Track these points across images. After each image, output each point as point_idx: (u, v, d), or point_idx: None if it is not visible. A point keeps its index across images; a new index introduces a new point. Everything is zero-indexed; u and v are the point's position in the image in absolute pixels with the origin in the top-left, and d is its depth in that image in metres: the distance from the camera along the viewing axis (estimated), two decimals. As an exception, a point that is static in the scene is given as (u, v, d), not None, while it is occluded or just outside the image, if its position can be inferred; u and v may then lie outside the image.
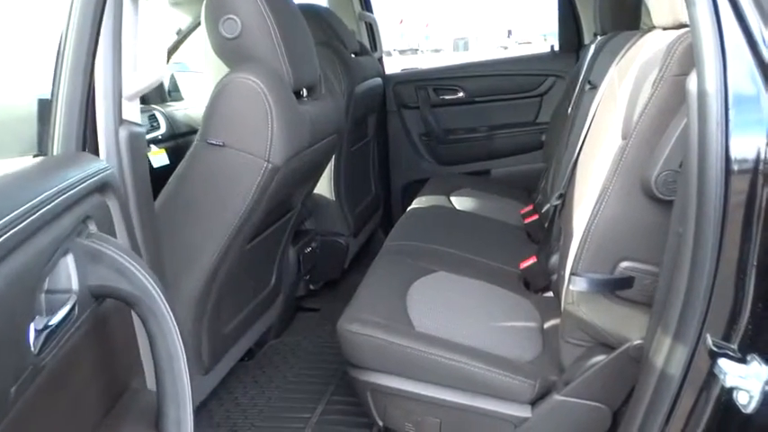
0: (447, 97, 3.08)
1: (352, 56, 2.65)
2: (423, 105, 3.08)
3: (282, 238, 1.96)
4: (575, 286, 1.18)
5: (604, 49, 2.06)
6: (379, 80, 2.84)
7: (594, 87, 1.91)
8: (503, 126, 3.05)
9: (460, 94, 3.07)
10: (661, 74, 1.12)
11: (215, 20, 1.45)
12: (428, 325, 1.43)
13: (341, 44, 2.52)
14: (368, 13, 3.07)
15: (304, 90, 1.67)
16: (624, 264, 1.17)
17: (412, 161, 3.15)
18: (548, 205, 1.90)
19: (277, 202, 1.60)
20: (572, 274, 1.20)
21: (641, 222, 1.15)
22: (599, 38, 2.31)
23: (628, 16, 2.18)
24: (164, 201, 1.40)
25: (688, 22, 1.15)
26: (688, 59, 1.07)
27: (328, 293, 2.61)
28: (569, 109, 2.30)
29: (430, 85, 3.08)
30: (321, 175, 1.97)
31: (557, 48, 3.00)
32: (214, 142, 1.35)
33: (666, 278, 0.99)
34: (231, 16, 1.42)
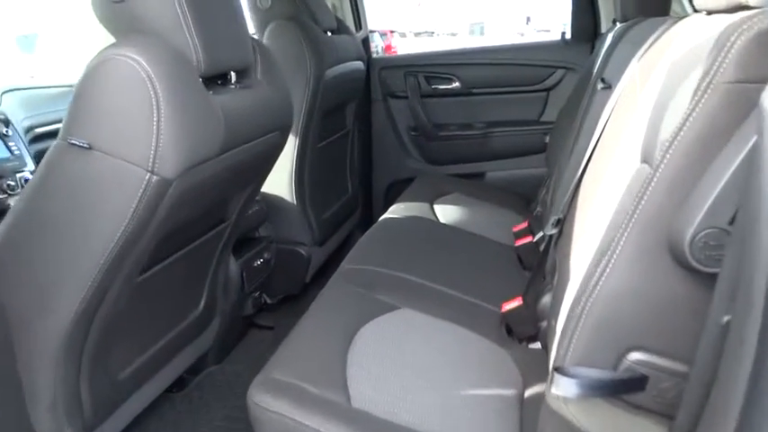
0: (440, 87, 2.69)
1: (328, 34, 2.26)
2: (412, 95, 2.69)
3: (214, 253, 1.59)
4: (558, 389, 0.80)
5: (624, 38, 1.67)
6: (360, 64, 2.44)
7: (609, 87, 1.53)
8: (502, 123, 2.65)
9: (455, 85, 2.67)
10: (707, 78, 0.74)
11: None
12: (368, 397, 1.07)
13: (310, 19, 2.12)
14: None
15: (232, 74, 1.30)
16: (634, 355, 0.80)
17: (397, 158, 2.77)
18: (541, 233, 1.53)
19: (185, 221, 1.23)
20: (555, 369, 0.82)
21: (663, 297, 0.77)
22: (618, 25, 1.92)
23: (657, 4, 1.79)
24: (11, 220, 1.04)
25: (753, 1, 0.77)
26: (754, 59, 0.69)
27: (287, 309, 2.25)
28: (579, 110, 1.91)
29: (421, 72, 2.69)
30: (263, 178, 1.59)
31: (568, 36, 2.58)
32: (77, 143, 0.98)
33: (700, 385, 0.62)
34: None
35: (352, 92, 2.43)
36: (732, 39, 0.71)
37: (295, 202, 2.11)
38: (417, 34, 25.03)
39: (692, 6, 2.46)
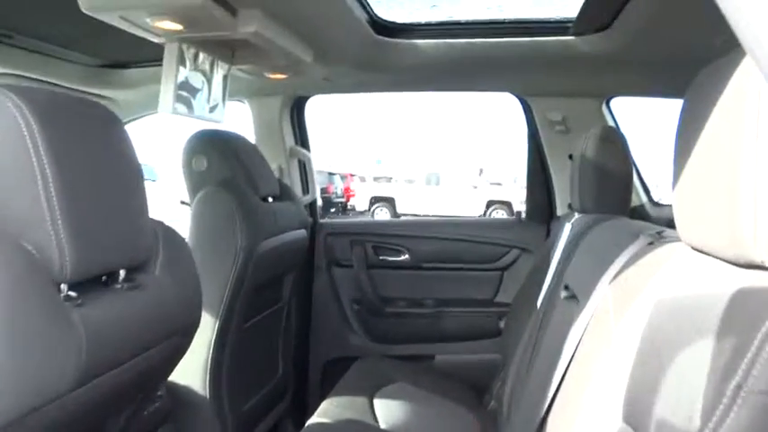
0: (389, 258, 2.50)
1: (269, 200, 2.08)
2: (358, 265, 2.48)
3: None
4: None
5: (585, 239, 1.52)
6: (302, 232, 2.25)
7: (574, 298, 1.34)
8: (453, 302, 2.44)
9: (405, 257, 2.49)
10: (732, 381, 0.52)
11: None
12: None
13: (249, 185, 1.94)
14: (301, 149, 2.55)
15: (121, 272, 1.04)
16: None
17: (338, 333, 2.49)
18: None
19: None
20: None
21: None
22: (576, 215, 1.79)
23: (617, 198, 1.68)
24: None
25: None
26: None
27: None
28: (538, 303, 1.73)
29: (369, 242, 2.50)
30: (160, 387, 1.29)
31: (524, 215, 2.48)
32: None
33: None
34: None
35: (291, 263, 2.21)
36: (763, 343, 0.51)
37: (208, 395, 1.78)
38: (377, 179, 25.89)
39: (649, 199, 2.43)
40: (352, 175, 23.41)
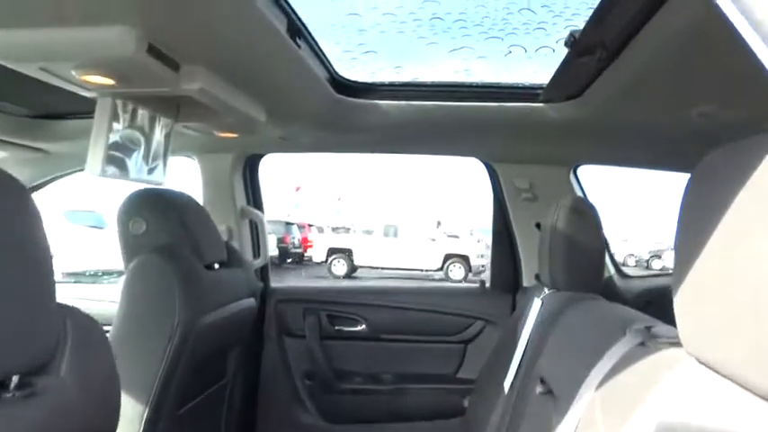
0: (344, 329, 2.32)
1: (215, 267, 1.89)
2: (311, 335, 2.29)
3: None
4: None
5: (559, 321, 1.39)
6: (251, 301, 2.05)
7: (550, 393, 1.20)
8: (413, 378, 2.27)
9: (362, 327, 2.31)
10: None
11: None
12: None
13: (192, 251, 1.75)
14: (253, 209, 2.37)
15: (13, 379, 0.84)
16: None
17: (288, 411, 2.27)
18: None
19: None
20: None
21: None
22: (546, 291, 1.68)
23: (589, 274, 1.58)
24: None
25: None
26: None
27: None
28: (506, 385, 1.58)
29: (323, 310, 2.32)
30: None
31: (488, 284, 2.36)
32: None
33: None
34: None
35: (237, 335, 2.01)
36: None
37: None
38: (335, 229, 25.75)
39: (617, 270, 2.34)
40: (309, 226, 23.16)
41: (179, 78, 1.14)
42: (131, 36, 0.95)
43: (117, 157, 1.31)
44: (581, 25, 1.31)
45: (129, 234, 1.76)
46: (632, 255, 19.42)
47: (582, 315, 1.31)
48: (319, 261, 18.26)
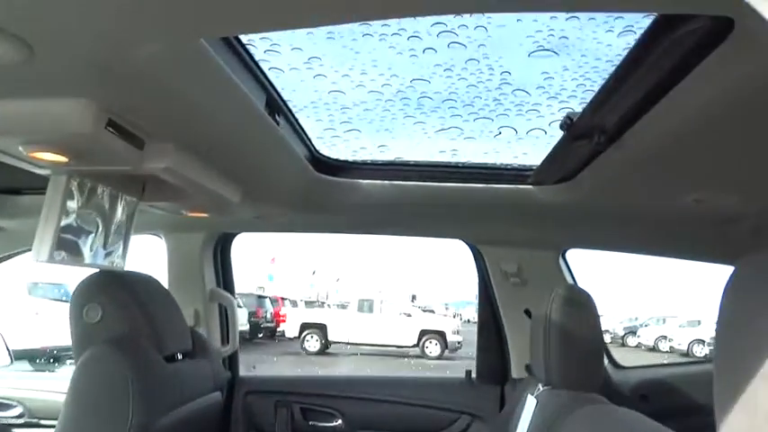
0: (319, 424, 2.12)
1: (178, 358, 1.72)
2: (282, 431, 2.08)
3: None
4: None
5: (563, 427, 1.25)
6: (217, 396, 1.86)
7: None
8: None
9: (338, 422, 2.12)
10: None
11: None
12: None
13: (152, 342, 1.58)
14: (223, 292, 2.21)
15: None
16: None
17: None
18: None
19: None
20: None
21: None
22: (541, 387, 1.54)
23: (588, 370, 1.45)
24: None
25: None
26: None
27: None
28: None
29: (296, 403, 2.13)
30: None
31: (474, 374, 2.20)
32: None
33: None
34: None
35: (199, 436, 1.80)
36: None
37: None
38: (309, 303, 25.27)
39: (611, 360, 2.22)
40: (282, 299, 22.66)
41: (143, 156, 1.03)
42: (89, 110, 0.84)
43: (69, 241, 1.17)
44: (576, 108, 1.26)
45: (83, 322, 1.58)
46: (607, 331, 19.31)
47: (588, 424, 1.17)
48: (292, 336, 17.74)
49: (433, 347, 17.54)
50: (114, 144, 0.94)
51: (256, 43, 1.00)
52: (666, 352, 19.22)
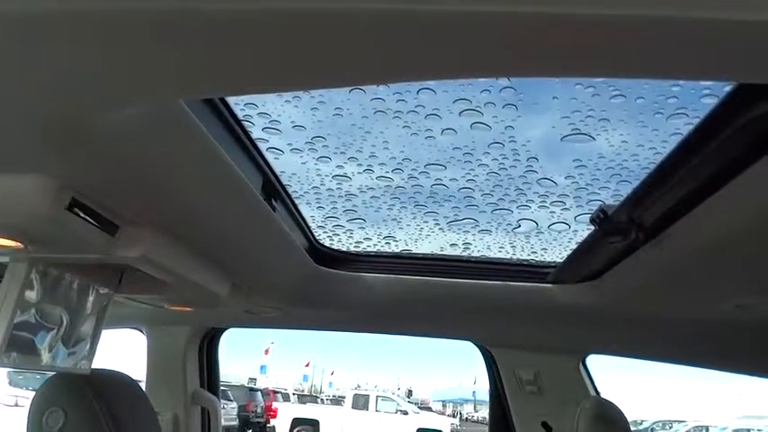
0: None
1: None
2: None
3: None
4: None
5: None
6: None
7: None
8: None
9: None
10: None
11: None
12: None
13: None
14: (207, 394, 2.00)
15: None
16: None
17: None
18: None
19: None
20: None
21: None
22: None
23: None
24: None
25: None
26: None
27: None
28: None
29: None
30: None
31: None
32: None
33: None
34: None
35: None
36: None
37: None
38: (301, 398, 24.30)
39: None
40: (275, 393, 21.75)
41: (114, 243, 0.88)
42: (46, 187, 0.70)
43: (24, 339, 1.00)
44: (608, 201, 1.13)
45: (42, 431, 1.37)
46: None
47: None
48: (282, 433, 16.86)
49: (430, 449, 16.69)
50: (79, 229, 0.80)
51: (254, 119, 0.89)
52: (673, 460, 18.15)
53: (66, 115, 0.57)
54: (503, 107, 0.80)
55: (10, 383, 9.32)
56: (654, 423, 21.59)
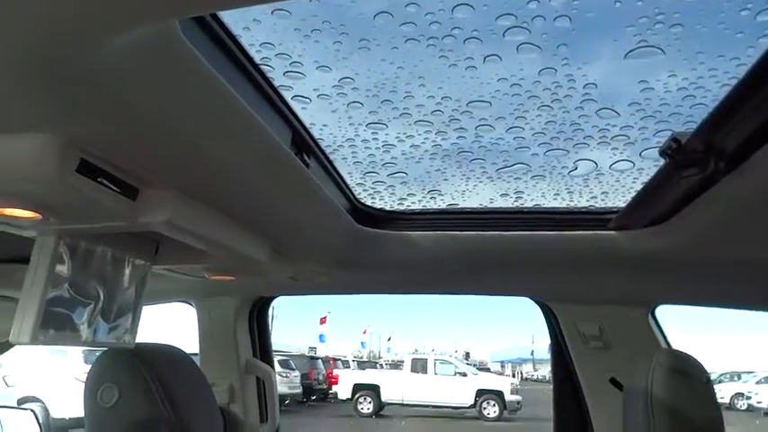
0: None
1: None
2: None
3: None
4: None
5: None
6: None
7: None
8: None
9: None
10: None
11: None
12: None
13: (172, 429, 1.35)
14: (261, 363, 1.97)
15: None
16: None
17: None
18: None
19: None
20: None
21: None
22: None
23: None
24: None
25: None
26: None
27: None
28: None
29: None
30: None
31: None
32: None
33: None
34: None
35: None
36: None
37: None
38: (361, 363, 24.78)
39: None
40: (334, 360, 22.26)
41: (135, 208, 0.82)
42: (49, 147, 0.64)
43: (60, 315, 0.97)
44: (677, 129, 1.00)
45: (97, 406, 1.37)
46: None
47: None
48: (344, 398, 17.29)
49: (491, 408, 16.77)
50: (96, 194, 0.74)
51: (272, 62, 0.80)
52: (745, 411, 17.64)
53: (48, 55, 0.50)
54: (554, 20, 0.68)
55: (85, 361, 9.79)
56: (722, 375, 20.97)
